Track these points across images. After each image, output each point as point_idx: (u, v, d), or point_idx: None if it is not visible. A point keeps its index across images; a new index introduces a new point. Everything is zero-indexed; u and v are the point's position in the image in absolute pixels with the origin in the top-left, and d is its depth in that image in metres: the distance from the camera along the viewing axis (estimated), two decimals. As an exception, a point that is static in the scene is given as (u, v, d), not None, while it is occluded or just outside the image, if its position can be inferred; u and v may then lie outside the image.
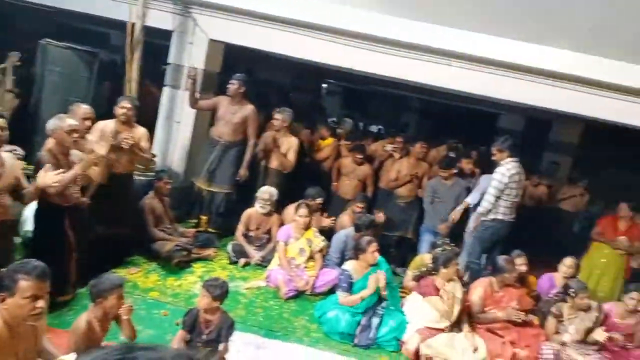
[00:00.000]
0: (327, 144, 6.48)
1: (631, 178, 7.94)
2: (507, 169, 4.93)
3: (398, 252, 5.86)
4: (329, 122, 8.59)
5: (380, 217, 5.36)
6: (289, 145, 5.47)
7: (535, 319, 4.70)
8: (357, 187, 6.06)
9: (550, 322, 4.39)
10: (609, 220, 6.03)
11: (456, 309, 4.09)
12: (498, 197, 4.96)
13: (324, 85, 13.50)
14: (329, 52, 5.45)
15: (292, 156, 5.43)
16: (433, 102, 11.02)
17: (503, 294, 4.49)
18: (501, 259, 4.55)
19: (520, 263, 4.75)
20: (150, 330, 3.65)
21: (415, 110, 13.18)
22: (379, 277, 4.20)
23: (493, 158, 5.13)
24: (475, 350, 3.99)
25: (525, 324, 4.46)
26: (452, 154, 6.51)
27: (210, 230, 5.41)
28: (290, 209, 5.21)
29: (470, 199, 5.39)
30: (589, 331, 4.31)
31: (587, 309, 4.35)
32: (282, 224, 5.17)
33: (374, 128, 12.06)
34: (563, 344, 4.24)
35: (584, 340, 4.28)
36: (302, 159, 6.16)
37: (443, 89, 5.68)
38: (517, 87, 5.21)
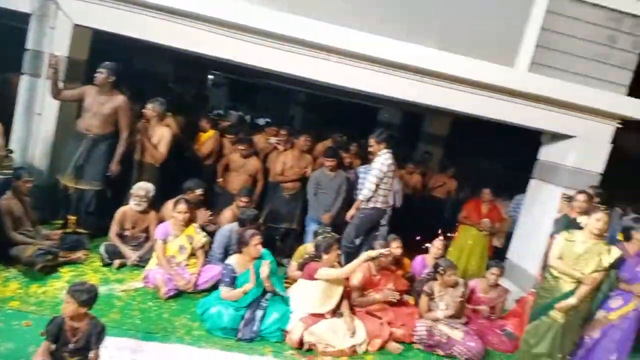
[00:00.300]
0: (207, 137, 6.31)
1: (492, 166, 8.81)
2: (384, 158, 5.21)
3: (284, 244, 5.92)
4: (215, 114, 8.40)
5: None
6: (160, 136, 5.22)
7: (410, 299, 5.03)
8: (247, 181, 6.00)
9: (423, 300, 4.71)
10: (473, 205, 6.64)
11: (339, 293, 4.23)
12: (377, 186, 5.22)
13: (210, 77, 13.18)
14: (210, 44, 5.26)
15: (163, 148, 5.17)
16: (319, 95, 11.25)
17: (380, 277, 4.74)
18: (377, 244, 4.79)
19: (396, 246, 5.02)
20: (9, 344, 3.31)
21: (302, 104, 13.38)
22: (262, 268, 4.21)
23: (370, 149, 5.37)
24: (355, 333, 4.15)
25: (401, 304, 4.75)
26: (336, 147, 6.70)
27: (79, 231, 5.00)
28: (168, 205, 4.99)
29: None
30: (459, 306, 4.71)
31: (454, 285, 4.74)
32: (160, 221, 4.93)
33: (261, 121, 12.02)
34: (436, 320, 4.59)
35: (453, 315, 4.67)
36: (183, 152, 5.94)
37: (326, 84, 5.78)
38: (390, 82, 5.46)
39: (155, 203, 5.12)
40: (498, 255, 6.73)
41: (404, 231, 5.90)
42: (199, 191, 5.12)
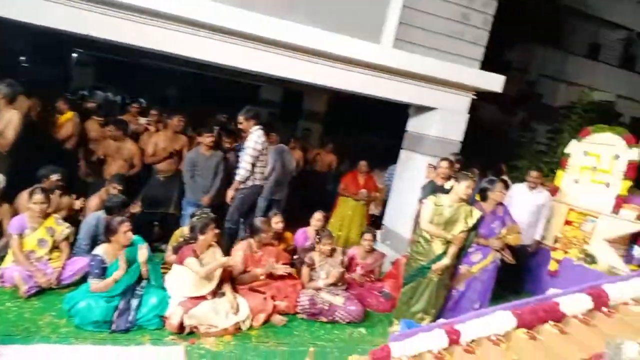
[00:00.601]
0: (66, 119, 5.79)
1: (369, 139, 9.23)
2: (257, 136, 5.18)
3: (163, 229, 5.69)
4: (79, 94, 7.73)
5: (135, 207, 5.04)
6: (8, 121, 4.66)
7: (293, 272, 5.13)
8: (123, 167, 5.65)
9: (304, 270, 4.85)
10: (351, 177, 6.93)
11: (218, 274, 4.17)
12: (253, 165, 5.20)
13: (74, 55, 12.09)
14: (70, 18, 4.71)
15: (10, 133, 4.62)
16: (197, 74, 10.85)
17: (262, 253, 4.77)
18: (257, 221, 4.81)
19: (277, 221, 5.08)
20: None
21: (179, 83, 12.81)
22: (140, 252, 4.02)
23: (240, 127, 5.31)
24: (238, 310, 4.15)
25: (284, 277, 4.83)
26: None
27: None
28: (24, 196, 4.51)
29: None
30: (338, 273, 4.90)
31: (332, 254, 4.93)
32: (15, 214, 4.45)
33: (127, 100, 11.30)
34: (318, 289, 4.74)
35: (334, 283, 4.86)
36: (40, 137, 5.39)
37: (201, 61, 5.55)
38: (261, 58, 5.37)
39: (8, 194, 4.61)
40: (376, 223, 7.13)
41: (288, 205, 6.00)
42: (54, 177, 4.67)
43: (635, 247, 5.47)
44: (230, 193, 5.20)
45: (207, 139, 5.48)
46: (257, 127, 5.20)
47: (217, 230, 4.29)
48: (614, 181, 5.77)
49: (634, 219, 5.47)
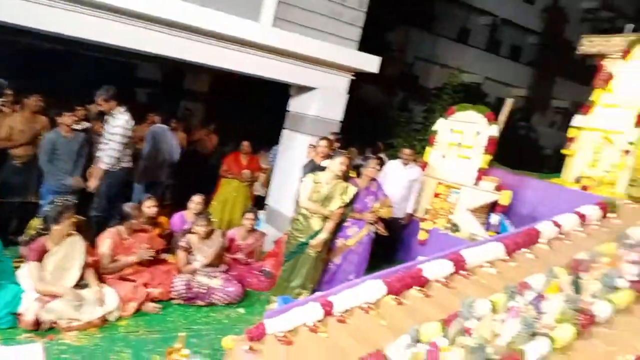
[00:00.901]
0: None
1: (253, 119, 9.12)
2: (125, 121, 4.88)
3: (20, 220, 5.14)
4: None
5: None
6: None
7: (169, 257, 4.95)
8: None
9: (181, 254, 4.69)
10: (233, 157, 6.82)
11: (78, 265, 3.88)
12: (121, 150, 4.90)
13: None
14: None
15: None
16: (68, 51, 9.88)
17: (133, 240, 4.53)
18: (127, 206, 4.56)
19: (149, 206, 4.85)
20: None
21: (48, 62, 11.59)
22: None
23: (100, 109, 4.98)
24: (104, 301, 3.90)
25: (158, 262, 4.65)
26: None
27: None
28: None
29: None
30: (217, 255, 4.81)
31: (209, 236, 4.82)
32: None
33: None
34: (194, 272, 4.61)
35: (212, 264, 4.76)
36: None
37: (68, 37, 5.02)
38: (137, 36, 5.09)
39: None
40: (261, 203, 7.11)
41: (168, 188, 5.71)
42: None
43: (492, 215, 6.02)
44: (93, 182, 4.85)
45: (68, 119, 5.01)
46: (123, 109, 4.89)
47: (74, 219, 3.94)
48: (475, 155, 6.28)
49: (492, 189, 6.02)
